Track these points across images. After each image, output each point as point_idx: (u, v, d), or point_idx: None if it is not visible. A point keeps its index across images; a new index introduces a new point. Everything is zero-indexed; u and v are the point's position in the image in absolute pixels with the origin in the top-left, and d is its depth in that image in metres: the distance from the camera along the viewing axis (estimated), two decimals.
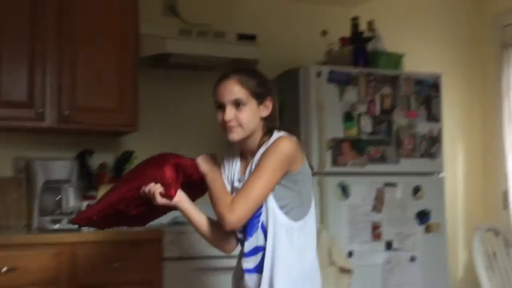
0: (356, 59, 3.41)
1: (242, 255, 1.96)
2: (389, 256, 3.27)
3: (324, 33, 3.52)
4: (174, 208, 1.95)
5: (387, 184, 3.29)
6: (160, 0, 3.62)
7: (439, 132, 3.47)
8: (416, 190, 3.35)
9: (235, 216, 1.82)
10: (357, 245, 3.21)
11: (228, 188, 2.00)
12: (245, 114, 1.90)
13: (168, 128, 3.61)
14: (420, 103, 3.44)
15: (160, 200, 1.90)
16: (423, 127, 3.41)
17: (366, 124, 3.28)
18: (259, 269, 1.91)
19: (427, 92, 3.46)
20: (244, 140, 1.96)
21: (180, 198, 1.93)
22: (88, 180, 3.11)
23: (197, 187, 2.00)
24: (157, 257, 2.84)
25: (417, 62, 3.80)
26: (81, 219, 2.13)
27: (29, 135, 3.29)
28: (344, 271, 3.13)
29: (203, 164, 1.98)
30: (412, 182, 3.35)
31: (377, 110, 3.32)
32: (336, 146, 3.20)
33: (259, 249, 1.91)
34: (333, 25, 3.68)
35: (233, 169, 2.04)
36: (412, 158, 3.38)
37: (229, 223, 1.83)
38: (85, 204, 3.00)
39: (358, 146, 3.25)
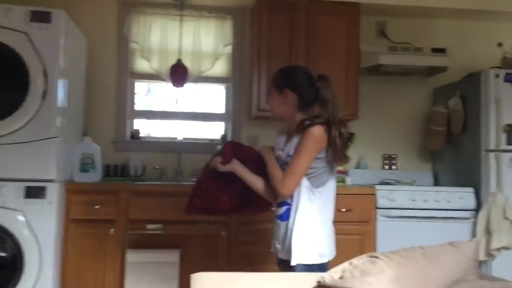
0: None
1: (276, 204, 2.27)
2: None
3: (499, 44, 3.85)
4: (235, 176, 2.20)
5: None
6: (374, 27, 4.18)
7: None
8: None
9: (286, 190, 2.11)
10: None
11: (276, 154, 2.26)
12: (271, 101, 2.27)
13: (379, 117, 4.18)
14: None
15: (221, 167, 2.20)
16: None
17: None
18: (281, 217, 2.21)
19: None
20: (286, 121, 2.25)
21: (235, 164, 2.20)
22: None
23: (257, 166, 2.25)
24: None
25: None
26: (189, 207, 2.28)
27: None
28: None
29: (263, 150, 2.29)
30: None
31: None
32: (511, 130, 3.45)
33: (285, 204, 2.19)
34: (507, 38, 4.01)
35: (280, 140, 2.30)
36: None
37: (282, 194, 2.14)
38: None
39: None
